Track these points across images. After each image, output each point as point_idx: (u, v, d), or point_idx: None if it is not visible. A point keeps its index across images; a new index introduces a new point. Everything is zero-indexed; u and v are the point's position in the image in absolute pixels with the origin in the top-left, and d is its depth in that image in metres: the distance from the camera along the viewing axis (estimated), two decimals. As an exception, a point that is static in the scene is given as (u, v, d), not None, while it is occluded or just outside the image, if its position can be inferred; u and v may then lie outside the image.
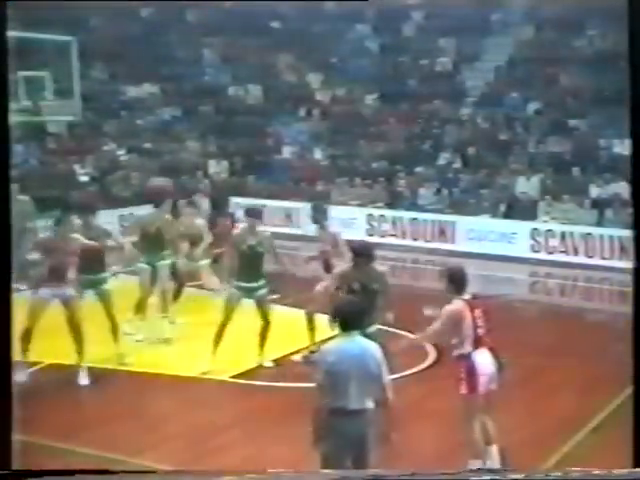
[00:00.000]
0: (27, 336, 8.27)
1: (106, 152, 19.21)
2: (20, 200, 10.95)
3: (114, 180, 17.99)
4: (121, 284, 10.39)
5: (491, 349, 6.37)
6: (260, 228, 9.20)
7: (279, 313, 10.24)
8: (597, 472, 4.21)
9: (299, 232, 17.32)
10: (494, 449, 6.36)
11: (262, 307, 9.11)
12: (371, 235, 17.28)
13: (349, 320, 5.17)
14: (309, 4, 24.04)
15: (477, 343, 6.28)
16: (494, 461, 6.30)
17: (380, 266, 8.01)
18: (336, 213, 17.77)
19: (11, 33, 14.11)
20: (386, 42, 22.96)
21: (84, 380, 8.56)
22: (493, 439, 6.38)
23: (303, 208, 17.99)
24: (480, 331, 6.31)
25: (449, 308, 6.32)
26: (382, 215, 17.67)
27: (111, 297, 9.07)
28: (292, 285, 11.81)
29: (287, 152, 20.99)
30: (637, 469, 3.90)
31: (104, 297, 9.00)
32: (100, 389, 8.50)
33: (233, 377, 8.89)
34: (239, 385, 8.73)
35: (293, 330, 10.00)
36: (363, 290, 7.37)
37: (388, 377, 5.19)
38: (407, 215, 17.38)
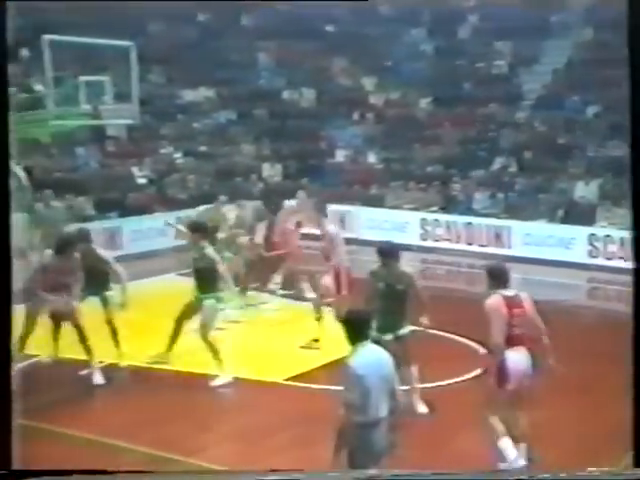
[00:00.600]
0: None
1: (163, 155, 19.55)
2: (53, 207, 11.22)
3: (171, 182, 18.30)
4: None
5: (529, 349, 6.27)
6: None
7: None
8: (597, 472, 4.21)
9: (352, 236, 17.34)
10: (522, 447, 6.27)
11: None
12: (425, 239, 17.20)
13: (362, 331, 5.11)
14: (364, 8, 24.08)
15: (511, 340, 6.21)
16: (520, 459, 6.21)
17: (408, 267, 8.02)
18: (390, 217, 17.81)
19: (73, 39, 14.51)
20: (441, 45, 22.84)
21: (99, 379, 8.80)
22: (522, 437, 6.29)
23: (357, 212, 18.03)
24: (516, 330, 6.23)
25: (487, 302, 6.28)
26: (436, 219, 17.55)
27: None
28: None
29: (340, 155, 21.04)
30: (637, 469, 3.85)
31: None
32: (152, 389, 8.64)
33: (288, 379, 8.93)
34: (293, 387, 8.78)
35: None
36: (389, 290, 7.37)
37: (398, 382, 5.19)
38: (462, 219, 17.23)
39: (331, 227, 10.32)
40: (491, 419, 6.17)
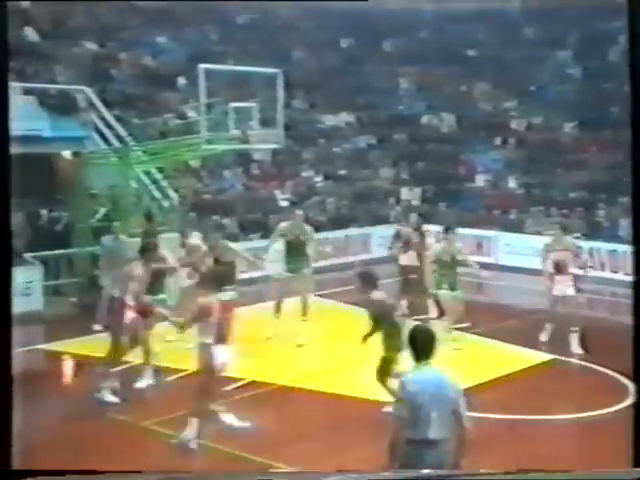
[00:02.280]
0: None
1: (304, 178, 20.26)
2: (121, 240, 11.92)
3: (311, 205, 18.93)
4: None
5: None
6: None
7: (468, 342, 10.40)
8: (597, 472, 4.16)
9: (490, 261, 17.26)
10: None
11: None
12: (566, 267, 16.82)
13: (425, 349, 5.07)
14: (507, 31, 23.97)
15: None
16: None
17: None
18: (530, 242, 17.57)
19: (225, 67, 15.44)
20: (590, 67, 22.32)
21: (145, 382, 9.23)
22: None
23: (495, 237, 17.92)
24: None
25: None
26: (579, 246, 17.13)
27: None
28: (482, 314, 11.90)
29: (480, 180, 20.98)
30: (637, 469, 3.82)
31: None
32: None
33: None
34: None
35: (483, 360, 10.09)
36: None
37: (464, 404, 5.10)
38: (606, 246, 16.75)
39: None
40: None
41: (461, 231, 17.93)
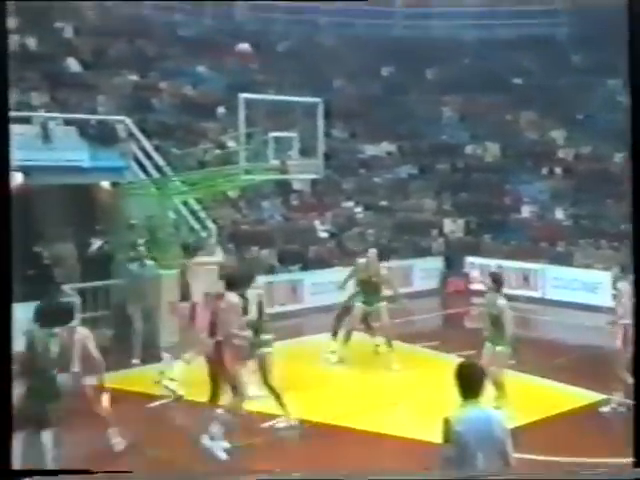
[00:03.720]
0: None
1: (344, 209, 20.32)
2: (147, 267, 12.14)
3: (350, 236, 18.96)
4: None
5: None
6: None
7: (514, 379, 10.25)
8: (597, 472, 4.25)
9: (536, 295, 17.07)
10: None
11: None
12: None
13: (473, 387, 5.00)
14: (555, 59, 23.90)
15: None
16: None
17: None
18: (578, 276, 17.34)
19: (265, 97, 15.63)
20: (640, 95, 22.08)
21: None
22: None
23: (542, 270, 17.73)
24: None
25: None
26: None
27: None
28: (528, 350, 11.72)
29: (526, 211, 20.83)
30: (637, 469, 3.84)
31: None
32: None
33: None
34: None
35: (530, 399, 9.95)
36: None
37: (511, 444, 5.03)
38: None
39: None
40: None
41: (507, 264, 17.97)
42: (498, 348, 9.46)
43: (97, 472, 3.92)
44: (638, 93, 3.87)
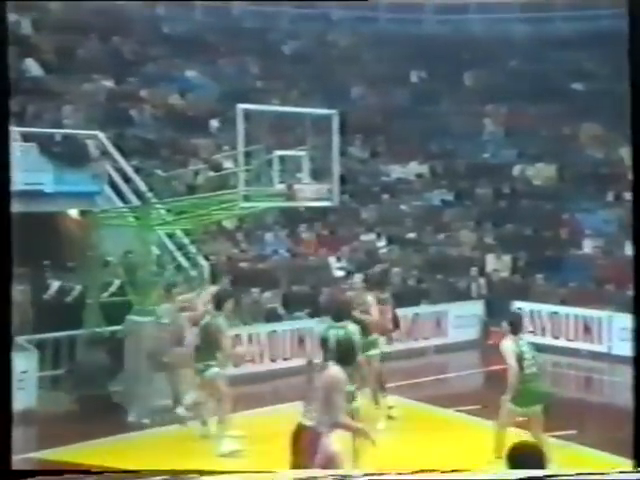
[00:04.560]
0: None
1: (364, 242, 20.34)
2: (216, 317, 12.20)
3: (372, 276, 18.89)
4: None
5: None
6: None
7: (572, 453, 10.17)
8: (598, 472, 4.73)
9: (601, 349, 16.93)
10: None
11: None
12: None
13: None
14: (622, 59, 23.98)
15: None
16: None
17: None
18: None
19: (269, 108, 15.69)
20: None
21: None
22: None
23: (608, 319, 17.60)
24: None
25: None
26: None
27: None
28: (591, 418, 11.63)
29: (588, 246, 20.76)
30: (637, 469, 4.29)
31: None
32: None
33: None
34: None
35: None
36: None
37: None
38: None
39: None
40: None
41: (564, 310, 17.84)
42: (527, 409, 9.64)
43: (97, 472, 4.40)
44: (638, 93, 4.09)
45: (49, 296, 14.52)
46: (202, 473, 5.59)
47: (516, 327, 9.93)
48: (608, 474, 4.93)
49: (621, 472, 4.97)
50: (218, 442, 10.88)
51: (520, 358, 9.63)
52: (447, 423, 12.55)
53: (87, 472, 4.67)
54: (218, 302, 11.31)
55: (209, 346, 11.16)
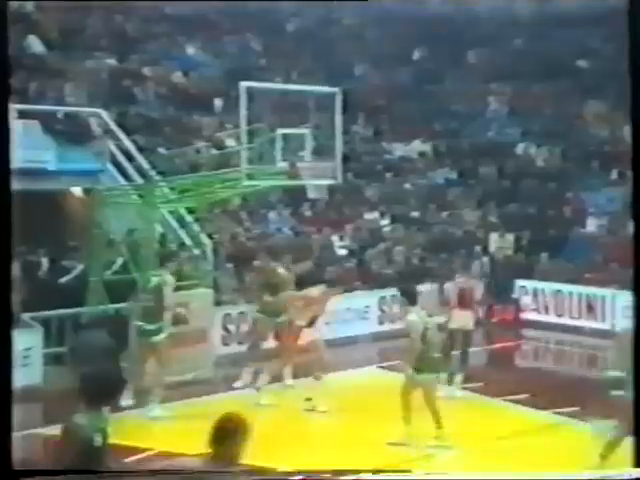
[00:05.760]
0: None
1: (367, 221, 20.32)
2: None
3: (375, 255, 18.92)
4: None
5: None
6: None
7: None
8: (598, 472, 5.22)
9: (604, 327, 16.93)
10: None
11: None
12: None
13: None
14: (630, 36, 23.83)
15: None
16: None
17: None
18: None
19: (272, 86, 15.67)
20: None
21: None
22: None
23: (612, 297, 17.61)
24: None
25: None
26: None
27: None
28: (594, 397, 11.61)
29: (592, 224, 20.73)
30: (637, 469, 4.40)
31: None
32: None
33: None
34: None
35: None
36: None
37: None
38: None
39: None
40: None
41: (567, 288, 17.85)
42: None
43: (98, 472, 4.49)
44: (638, 92, 4.15)
45: (52, 274, 14.54)
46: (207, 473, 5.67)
47: (410, 299, 10.50)
48: (608, 474, 5.05)
49: (621, 472, 5.01)
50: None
51: (422, 330, 10.20)
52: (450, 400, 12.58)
53: (87, 472, 4.73)
54: None
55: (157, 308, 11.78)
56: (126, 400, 11.89)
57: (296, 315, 12.42)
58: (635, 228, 5.39)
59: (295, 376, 13.02)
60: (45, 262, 14.69)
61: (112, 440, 10.09)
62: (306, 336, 12.14)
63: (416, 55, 26.13)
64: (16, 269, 13.52)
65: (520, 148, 23.41)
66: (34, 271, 14.27)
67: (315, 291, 12.65)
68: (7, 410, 4.54)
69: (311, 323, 12.17)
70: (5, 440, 4.47)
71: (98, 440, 6.25)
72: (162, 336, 11.82)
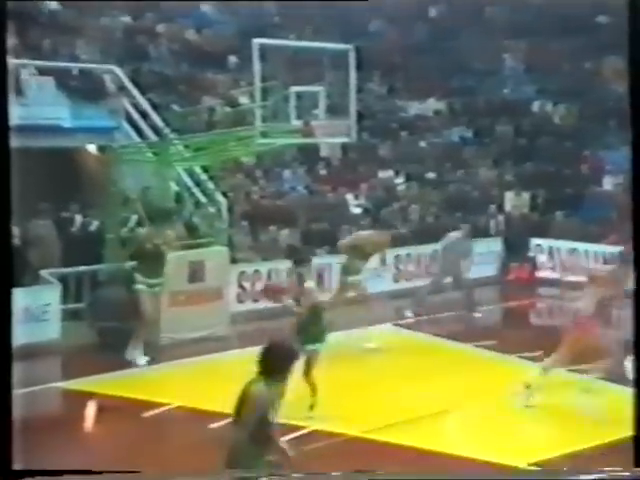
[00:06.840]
0: None
1: (382, 180, 20.29)
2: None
3: (390, 213, 18.92)
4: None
5: None
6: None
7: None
8: (598, 472, 4.93)
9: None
10: None
11: None
12: None
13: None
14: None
15: None
16: None
17: None
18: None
19: (286, 43, 15.56)
20: None
21: None
22: None
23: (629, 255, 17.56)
24: None
25: None
26: None
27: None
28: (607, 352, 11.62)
29: (609, 183, 20.64)
30: (637, 469, 4.43)
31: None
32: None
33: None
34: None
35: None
36: None
37: None
38: None
39: None
40: None
41: (583, 247, 17.82)
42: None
43: (98, 472, 4.42)
44: (638, 92, 4.12)
45: (71, 231, 14.61)
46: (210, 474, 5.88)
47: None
48: (608, 474, 5.03)
49: (621, 472, 5.05)
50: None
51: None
52: (464, 357, 12.67)
53: (87, 472, 4.72)
54: None
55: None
56: (138, 356, 12.05)
57: None
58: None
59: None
60: (63, 218, 14.74)
61: (127, 394, 10.40)
62: None
63: (432, 12, 25.88)
64: (34, 226, 13.66)
65: (536, 106, 23.26)
66: (54, 227, 14.32)
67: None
68: (7, 410, 4.45)
69: None
70: (5, 440, 4.40)
71: (272, 415, 6.08)
72: (160, 289, 12.29)
